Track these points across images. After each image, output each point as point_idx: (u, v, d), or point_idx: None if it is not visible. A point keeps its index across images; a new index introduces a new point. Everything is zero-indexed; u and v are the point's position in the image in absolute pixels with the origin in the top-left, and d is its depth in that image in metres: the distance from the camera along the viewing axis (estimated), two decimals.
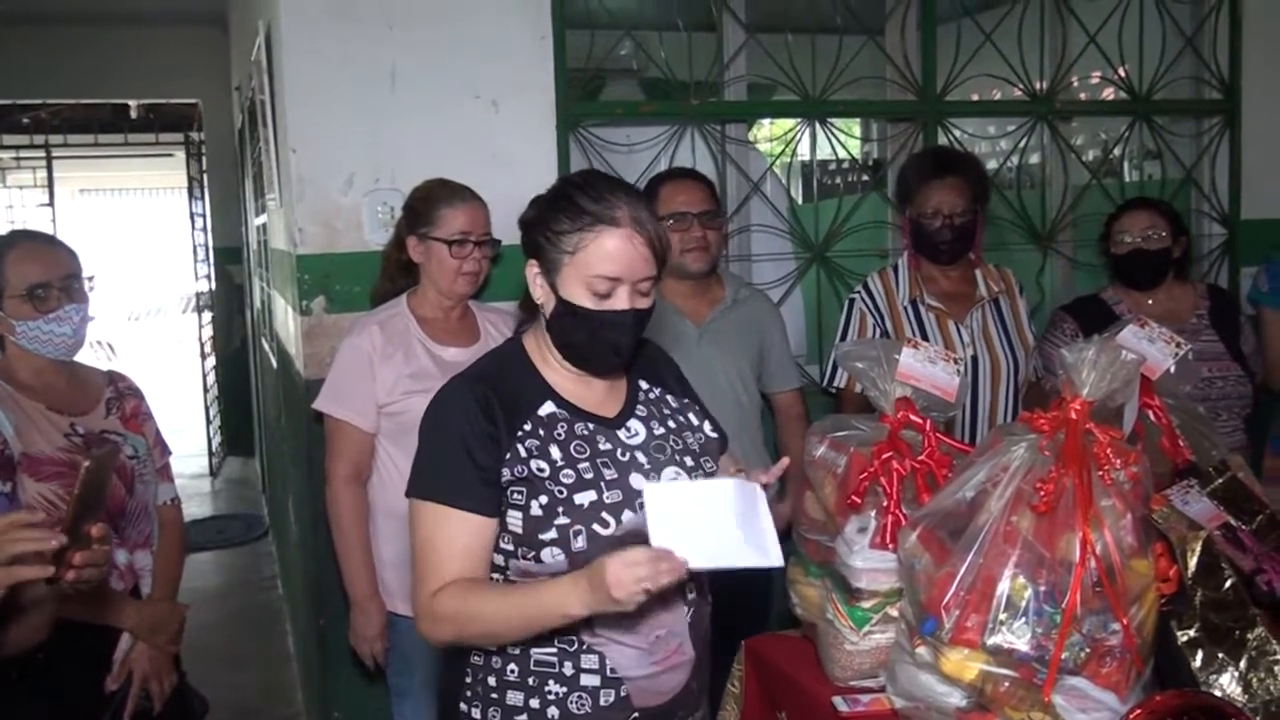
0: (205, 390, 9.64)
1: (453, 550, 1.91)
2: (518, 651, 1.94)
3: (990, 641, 1.89)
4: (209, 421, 9.57)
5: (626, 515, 1.92)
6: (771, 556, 1.77)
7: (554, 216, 1.93)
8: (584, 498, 1.93)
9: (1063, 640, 1.86)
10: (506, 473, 1.92)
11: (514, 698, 1.95)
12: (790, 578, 2.45)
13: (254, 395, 8.29)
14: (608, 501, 1.93)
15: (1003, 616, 1.88)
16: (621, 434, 2.03)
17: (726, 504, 1.77)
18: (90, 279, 2.65)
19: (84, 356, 2.74)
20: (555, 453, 1.96)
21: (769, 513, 1.82)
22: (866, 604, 2.21)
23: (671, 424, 2.11)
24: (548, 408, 1.99)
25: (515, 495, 1.93)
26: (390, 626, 3.00)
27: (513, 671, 1.95)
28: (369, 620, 2.97)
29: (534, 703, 1.94)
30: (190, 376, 10.37)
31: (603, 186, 1.95)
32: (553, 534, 1.91)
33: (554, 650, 1.94)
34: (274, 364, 4.94)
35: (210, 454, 9.51)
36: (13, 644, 2.21)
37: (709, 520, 1.74)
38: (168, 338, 18.56)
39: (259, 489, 8.47)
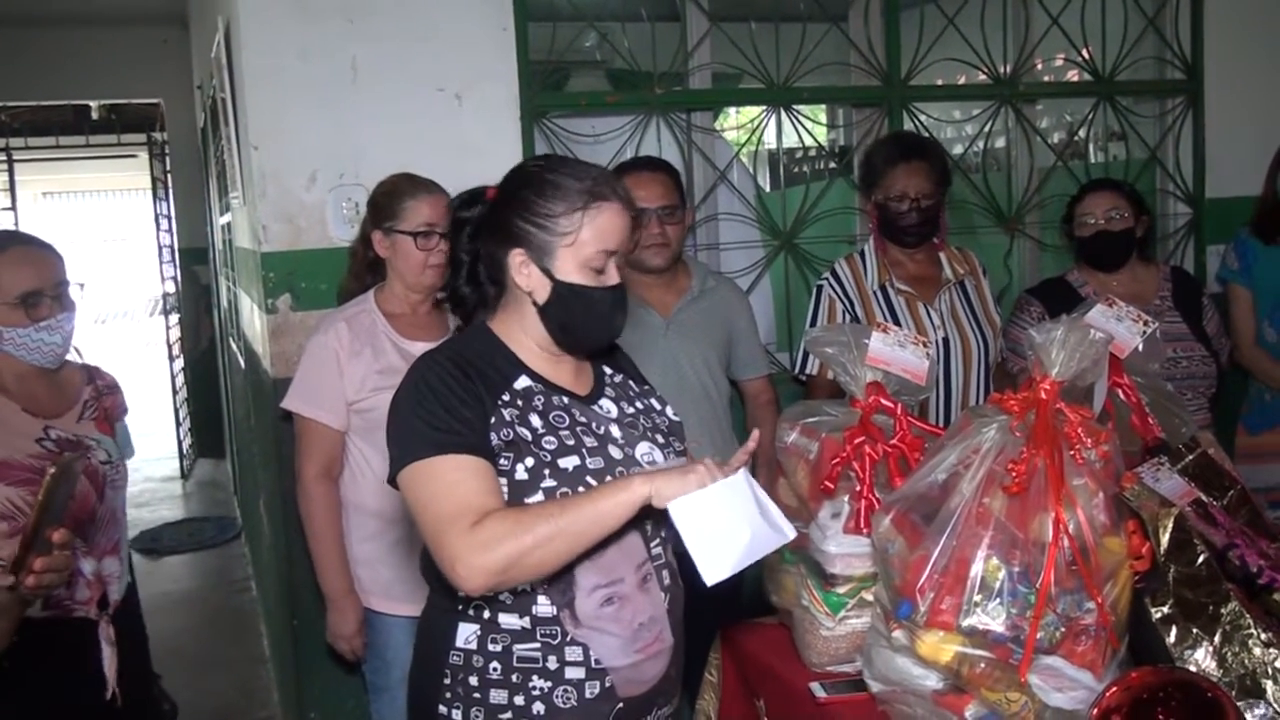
0: (174, 392, 9.57)
1: (471, 488, 1.82)
2: (499, 649, 1.92)
3: (965, 623, 1.89)
4: (179, 424, 9.50)
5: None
6: (787, 532, 1.82)
7: (541, 201, 1.93)
8: (568, 462, 1.92)
9: (1037, 620, 1.86)
10: (494, 436, 1.90)
11: (497, 696, 1.92)
12: (765, 564, 2.45)
13: (223, 396, 8.24)
14: (591, 467, 1.93)
15: (977, 598, 1.89)
16: (596, 409, 2.04)
17: (745, 497, 1.78)
18: (81, 285, 2.60)
19: None
20: (536, 420, 1.95)
21: (764, 490, 1.85)
22: (841, 589, 2.21)
23: (640, 404, 2.13)
24: (523, 381, 1.99)
25: (502, 462, 1.90)
26: (367, 624, 2.98)
27: (495, 670, 1.92)
28: (345, 618, 2.95)
29: (518, 700, 1.91)
30: (159, 379, 10.30)
31: (575, 165, 1.97)
32: (539, 496, 1.89)
33: (537, 645, 1.91)
34: (242, 364, 4.90)
35: (181, 456, 9.44)
36: None
37: (735, 518, 1.76)
38: (135, 340, 18.42)
39: (230, 491, 8.42)
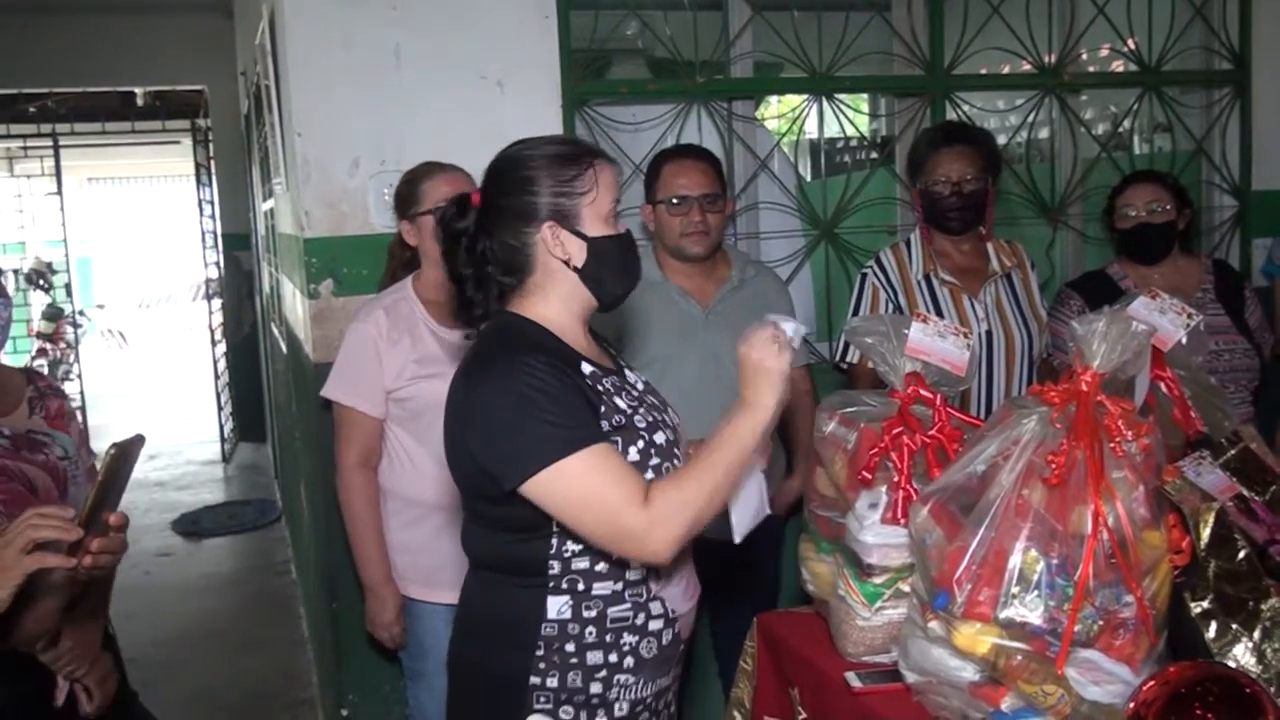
0: (216, 377, 9.68)
1: (624, 470, 1.92)
2: (594, 614, 2.01)
3: (1003, 615, 1.88)
4: (220, 408, 9.60)
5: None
6: (768, 508, 2.17)
7: (558, 173, 2.02)
8: (659, 437, 2.06)
9: (1075, 613, 1.85)
10: (605, 424, 1.98)
11: (594, 657, 2.02)
12: (801, 554, 2.45)
13: (265, 380, 8.31)
14: (672, 439, 2.09)
15: (1015, 590, 1.88)
16: (634, 384, 2.15)
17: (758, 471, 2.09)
18: (16, 272, 2.55)
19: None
20: (621, 403, 2.04)
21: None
22: (878, 579, 2.20)
23: (639, 376, 2.24)
24: (587, 367, 2.05)
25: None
26: (405, 611, 3.00)
27: (590, 634, 2.01)
28: (384, 606, 2.97)
29: (612, 658, 2.03)
30: (201, 363, 10.40)
31: (553, 137, 2.12)
32: (650, 475, 2.00)
33: (628, 605, 2.03)
34: (284, 349, 4.94)
35: (222, 440, 9.55)
36: (26, 630, 2.21)
37: (752, 486, 2.08)
38: (178, 325, 18.60)
39: (271, 474, 8.50)
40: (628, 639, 2.03)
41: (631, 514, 1.87)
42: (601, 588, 2.02)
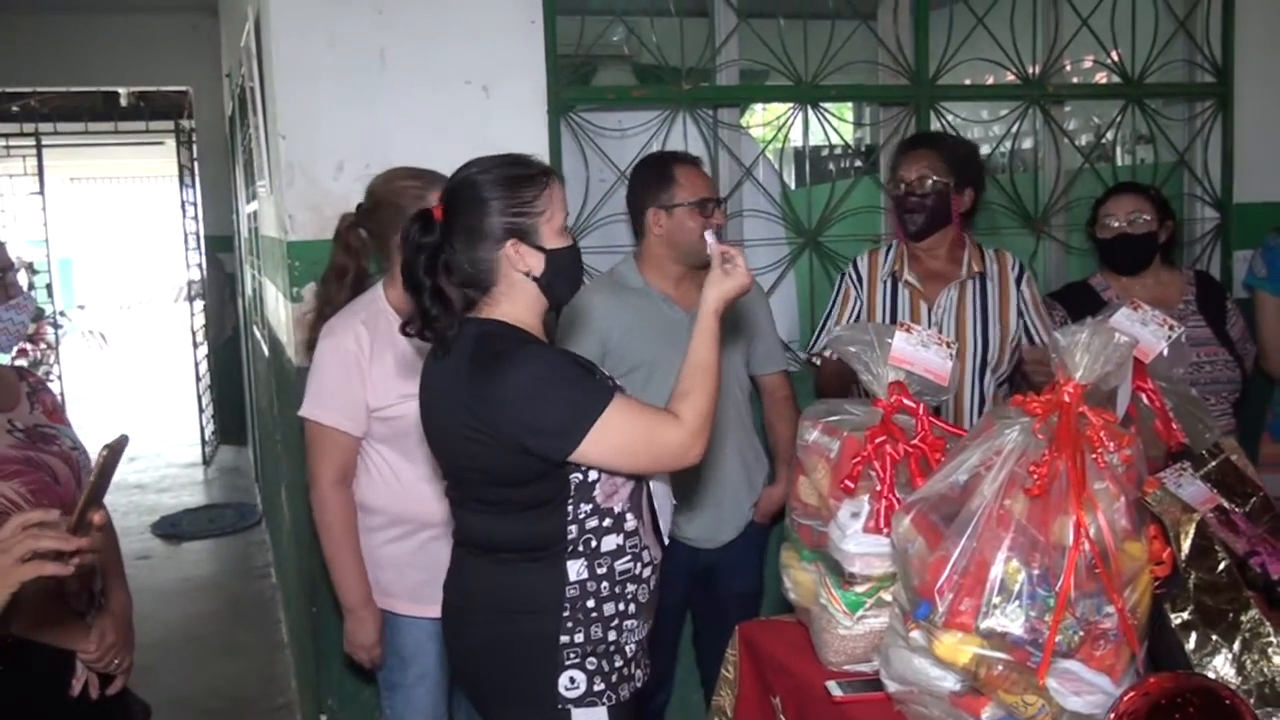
0: (198, 379, 9.63)
1: (646, 404, 2.25)
2: (605, 570, 2.25)
3: (984, 625, 1.88)
4: (201, 410, 9.56)
5: None
6: (672, 497, 2.44)
7: (519, 195, 2.21)
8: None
9: (1056, 623, 1.86)
10: None
11: (609, 609, 2.26)
12: (783, 563, 2.45)
13: (246, 383, 8.28)
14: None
15: (996, 600, 1.88)
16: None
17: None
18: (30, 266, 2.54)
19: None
20: (604, 370, 2.41)
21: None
22: (860, 588, 2.20)
23: None
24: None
25: None
26: (388, 625, 2.91)
27: (604, 588, 2.25)
28: (364, 627, 2.88)
29: (620, 606, 2.28)
30: (183, 365, 10.35)
31: (514, 158, 2.26)
32: None
33: (629, 557, 2.27)
34: (266, 352, 4.93)
35: (203, 442, 9.50)
36: (8, 633, 2.19)
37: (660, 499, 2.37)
38: (160, 326, 18.52)
39: (252, 477, 8.47)
40: (630, 588, 2.28)
41: (672, 434, 2.19)
42: (609, 543, 2.24)
